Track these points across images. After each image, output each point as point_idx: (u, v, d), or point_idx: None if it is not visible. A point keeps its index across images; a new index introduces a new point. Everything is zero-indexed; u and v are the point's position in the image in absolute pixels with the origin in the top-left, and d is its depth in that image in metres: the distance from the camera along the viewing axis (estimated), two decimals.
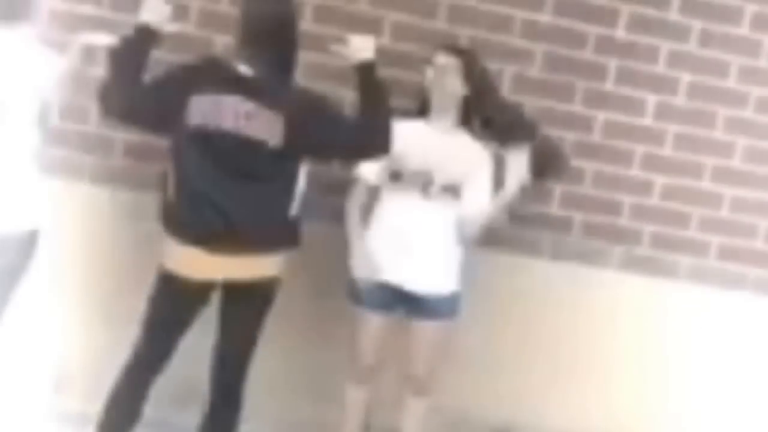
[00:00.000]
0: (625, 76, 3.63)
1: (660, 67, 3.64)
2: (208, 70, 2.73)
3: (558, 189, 3.64)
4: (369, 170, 3.08)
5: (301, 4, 3.32)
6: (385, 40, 3.44)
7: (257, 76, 2.70)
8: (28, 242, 2.80)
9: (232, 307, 2.82)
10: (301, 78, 2.82)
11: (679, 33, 3.62)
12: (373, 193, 3.15)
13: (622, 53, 3.61)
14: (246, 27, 2.73)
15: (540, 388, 3.68)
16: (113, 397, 2.75)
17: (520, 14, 3.56)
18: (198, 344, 2.81)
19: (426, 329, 3.14)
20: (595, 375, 3.70)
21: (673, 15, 3.61)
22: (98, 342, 3.33)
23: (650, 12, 3.60)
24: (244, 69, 2.71)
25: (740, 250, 3.77)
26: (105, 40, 2.74)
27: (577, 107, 3.63)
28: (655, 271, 3.72)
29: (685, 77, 3.66)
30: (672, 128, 3.68)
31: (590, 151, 3.65)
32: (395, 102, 2.79)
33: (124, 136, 3.38)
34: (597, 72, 3.62)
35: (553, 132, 3.43)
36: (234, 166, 2.65)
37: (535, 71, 3.59)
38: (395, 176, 3.06)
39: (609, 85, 3.63)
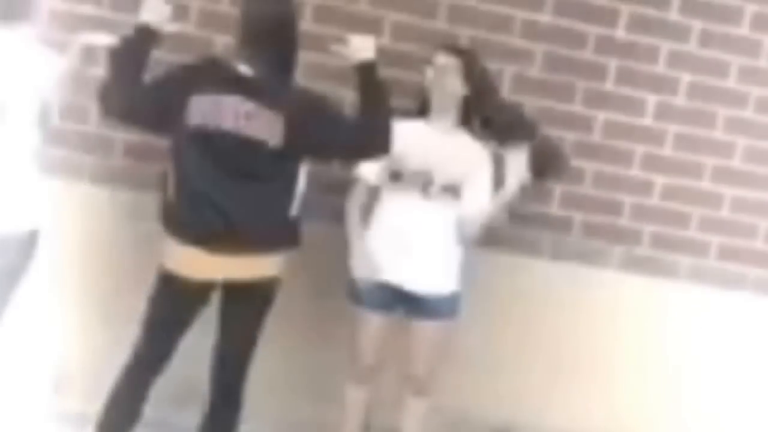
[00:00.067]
0: (625, 76, 3.63)
1: (660, 67, 3.64)
2: (208, 70, 2.73)
3: (558, 189, 3.64)
4: (369, 170, 3.08)
5: (301, 4, 3.31)
6: (385, 40, 3.44)
7: (257, 76, 2.70)
8: (28, 242, 2.79)
9: (232, 307, 2.82)
10: (301, 78, 2.82)
11: (679, 33, 3.62)
12: (373, 193, 3.15)
13: (622, 53, 3.61)
14: (246, 27, 2.73)
15: (540, 388, 3.68)
16: (113, 397, 2.75)
17: (520, 14, 3.55)
18: (198, 344, 2.81)
19: (426, 329, 3.14)
20: (595, 375, 3.70)
21: (673, 15, 3.61)
22: (98, 342, 3.33)
23: (650, 12, 3.60)
24: (244, 69, 2.71)
25: (740, 250, 3.77)
26: (105, 40, 2.74)
27: (577, 107, 3.63)
28: (655, 271, 3.72)
29: (685, 77, 3.66)
30: (672, 128, 3.68)
31: (590, 151, 3.65)
32: (395, 102, 2.79)
33: (124, 136, 3.38)
34: (597, 72, 3.61)
35: (553, 132, 3.43)
36: (234, 166, 2.65)
37: (535, 71, 3.59)
38: (395, 176, 3.06)
39: (609, 85, 3.63)
